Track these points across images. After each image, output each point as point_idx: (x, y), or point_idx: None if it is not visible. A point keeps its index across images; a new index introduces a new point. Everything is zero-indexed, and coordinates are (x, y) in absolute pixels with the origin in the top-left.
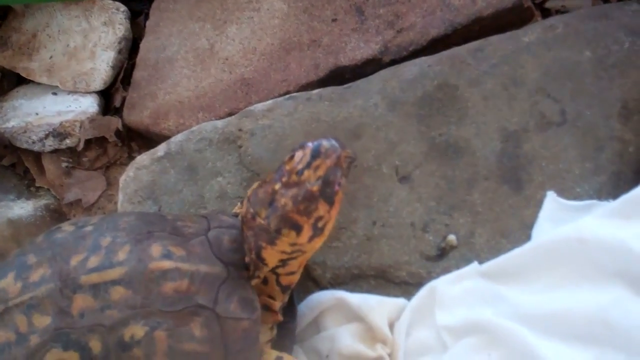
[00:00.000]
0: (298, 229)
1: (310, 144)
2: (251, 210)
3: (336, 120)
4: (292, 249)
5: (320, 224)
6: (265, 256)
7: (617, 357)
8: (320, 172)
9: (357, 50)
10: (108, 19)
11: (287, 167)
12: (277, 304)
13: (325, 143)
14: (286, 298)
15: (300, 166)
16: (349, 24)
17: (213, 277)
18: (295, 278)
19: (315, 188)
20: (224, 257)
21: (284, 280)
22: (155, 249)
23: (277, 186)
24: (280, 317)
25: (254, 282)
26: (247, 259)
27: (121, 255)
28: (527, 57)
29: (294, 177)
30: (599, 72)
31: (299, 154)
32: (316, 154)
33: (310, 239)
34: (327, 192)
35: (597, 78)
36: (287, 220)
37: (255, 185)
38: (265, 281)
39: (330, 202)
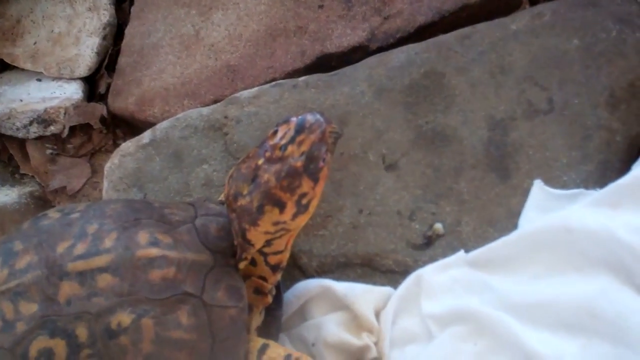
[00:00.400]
0: (281, 205)
1: (294, 118)
2: (233, 189)
3: (322, 107)
4: (275, 228)
5: (304, 201)
6: (251, 237)
7: (603, 347)
8: (305, 148)
9: (344, 37)
10: (93, 5)
11: (271, 142)
12: (269, 286)
13: (309, 117)
14: (278, 277)
15: (283, 141)
16: (336, 10)
17: (200, 265)
18: (284, 257)
19: (299, 164)
20: (211, 245)
21: (272, 260)
22: (143, 237)
23: (261, 161)
24: (270, 299)
25: (242, 264)
26: (235, 242)
27: (108, 243)
28: (515, 45)
29: (278, 152)
30: (586, 60)
31: (283, 128)
32: (300, 128)
33: (294, 216)
34: (311, 168)
35: (585, 66)
36: (270, 196)
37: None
38: (253, 262)
39: (315, 179)
